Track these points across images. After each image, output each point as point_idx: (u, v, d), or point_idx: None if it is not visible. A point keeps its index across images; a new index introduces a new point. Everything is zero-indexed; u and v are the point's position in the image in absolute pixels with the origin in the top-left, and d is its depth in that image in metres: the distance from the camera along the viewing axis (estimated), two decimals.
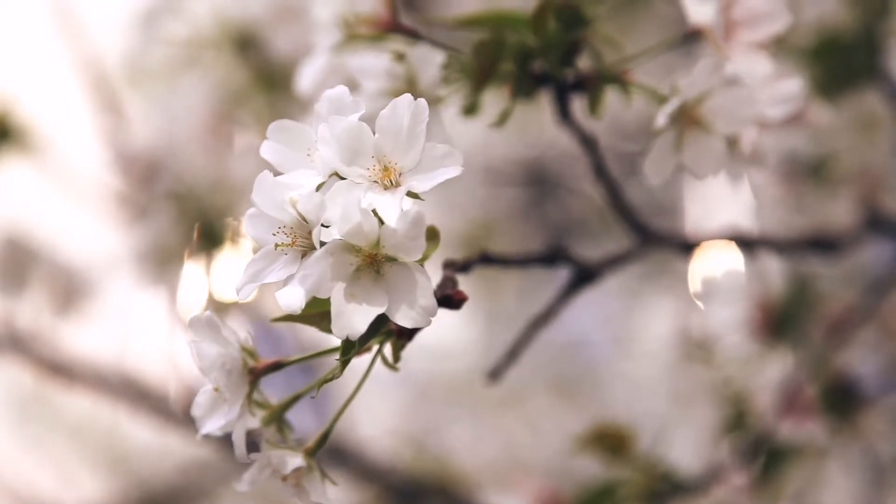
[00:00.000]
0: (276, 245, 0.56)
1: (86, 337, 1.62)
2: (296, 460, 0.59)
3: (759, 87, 0.69)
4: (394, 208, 0.54)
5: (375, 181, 0.56)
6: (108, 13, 1.52)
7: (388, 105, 0.56)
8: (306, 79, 0.74)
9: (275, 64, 1.39)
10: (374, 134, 0.56)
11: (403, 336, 0.61)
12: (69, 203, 1.62)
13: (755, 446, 1.04)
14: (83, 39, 1.53)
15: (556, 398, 1.81)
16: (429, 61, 0.70)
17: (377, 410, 1.87)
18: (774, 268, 1.15)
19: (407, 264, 0.55)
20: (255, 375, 0.61)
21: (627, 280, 1.81)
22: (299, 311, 0.55)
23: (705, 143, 0.69)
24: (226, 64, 1.43)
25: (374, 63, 0.71)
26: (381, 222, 0.54)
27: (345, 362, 0.58)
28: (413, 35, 0.72)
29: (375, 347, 0.61)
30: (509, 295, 1.84)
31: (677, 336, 1.38)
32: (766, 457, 1.04)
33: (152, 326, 1.60)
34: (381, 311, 0.54)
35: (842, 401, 1.13)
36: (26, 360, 1.56)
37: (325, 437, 0.61)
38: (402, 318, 0.55)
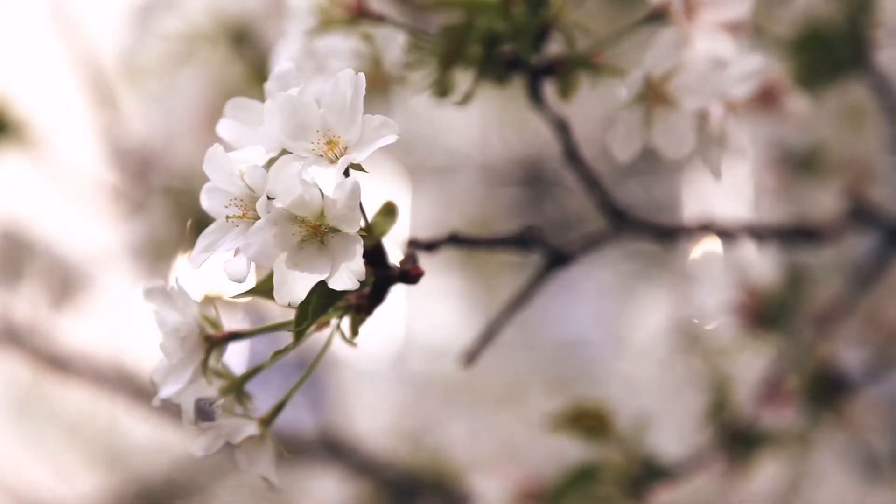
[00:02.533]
0: (228, 217, 0.57)
1: (82, 331, 1.63)
2: (248, 428, 0.59)
3: (723, 65, 0.70)
4: (331, 179, 0.55)
5: (321, 155, 0.56)
6: (103, 9, 1.53)
7: (331, 80, 0.56)
8: (281, 62, 0.75)
9: (269, 58, 1.39)
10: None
11: (361, 310, 0.61)
12: (65, 198, 1.63)
13: (734, 434, 1.04)
14: (79, 35, 1.54)
15: (552, 395, 1.81)
16: (392, 42, 0.71)
17: (374, 406, 1.88)
18: (762, 258, 1.16)
19: (348, 234, 0.55)
20: (211, 343, 0.61)
21: (622, 278, 1.81)
22: (244, 281, 0.56)
23: (673, 121, 0.69)
24: (221, 59, 1.44)
25: (339, 44, 0.72)
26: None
27: (298, 333, 0.58)
28: (380, 18, 0.73)
29: (335, 322, 0.62)
30: (506, 292, 1.84)
31: (670, 329, 1.38)
32: (744, 444, 1.04)
33: (148, 321, 1.60)
34: (322, 278, 0.55)
35: (827, 391, 1.13)
36: (22, 355, 1.56)
37: (280, 406, 0.62)
38: (335, 282, 0.55)
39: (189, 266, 0.58)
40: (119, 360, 1.59)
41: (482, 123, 1.86)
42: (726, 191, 1.47)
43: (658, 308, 1.60)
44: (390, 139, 0.55)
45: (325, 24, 0.74)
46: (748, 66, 0.73)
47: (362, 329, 0.63)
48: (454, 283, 1.90)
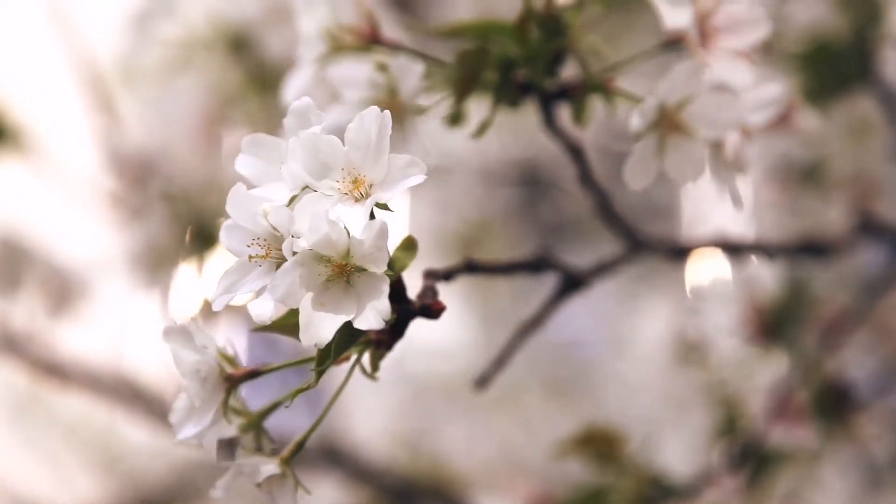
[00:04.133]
0: (250, 257, 0.56)
1: (80, 338, 1.62)
2: (269, 468, 0.59)
3: (741, 93, 0.69)
4: (359, 220, 0.54)
5: (346, 193, 0.56)
6: (101, 14, 1.51)
7: (356, 118, 0.56)
8: (292, 90, 0.74)
9: (268, 65, 1.39)
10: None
11: (382, 346, 0.61)
12: (63, 204, 1.62)
13: (745, 451, 1.04)
14: (77, 40, 1.53)
15: (550, 399, 1.81)
16: (409, 71, 0.70)
17: (372, 412, 1.87)
18: (769, 272, 1.15)
19: (375, 274, 0.55)
20: (231, 383, 0.61)
21: (622, 282, 1.80)
22: (269, 322, 0.55)
23: (687, 149, 0.68)
24: (219, 65, 1.43)
25: (355, 73, 0.71)
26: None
27: (320, 372, 0.58)
28: (395, 46, 0.72)
29: (354, 356, 0.61)
30: (503, 296, 1.84)
31: (672, 339, 1.38)
32: (755, 462, 1.04)
33: (146, 327, 1.60)
34: (347, 318, 0.55)
35: (835, 404, 1.13)
36: (21, 361, 1.56)
37: (300, 445, 0.61)
38: (361, 322, 0.55)
39: (213, 306, 0.57)
40: (117, 366, 1.59)
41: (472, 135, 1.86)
42: (724, 198, 1.46)
43: (658, 312, 1.60)
44: (418, 179, 0.55)
45: (337, 50, 0.73)
46: (768, 94, 0.72)
47: (382, 359, 0.62)
48: (452, 287, 1.89)
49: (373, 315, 0.54)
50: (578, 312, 1.89)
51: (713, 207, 1.59)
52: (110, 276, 1.58)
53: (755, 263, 1.07)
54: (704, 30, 0.70)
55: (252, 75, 1.40)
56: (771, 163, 1.16)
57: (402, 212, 1.98)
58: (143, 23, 1.42)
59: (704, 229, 1.53)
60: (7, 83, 1.59)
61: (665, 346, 1.41)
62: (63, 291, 1.58)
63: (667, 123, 0.68)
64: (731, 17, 0.70)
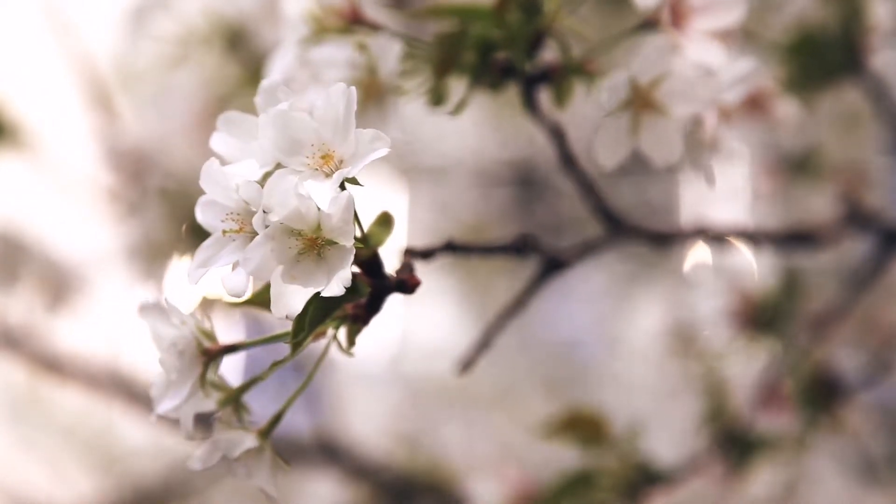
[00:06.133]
0: (224, 231, 0.57)
1: (77, 333, 1.63)
2: (246, 441, 0.59)
3: (714, 72, 0.69)
4: (327, 193, 0.55)
5: (316, 169, 0.56)
6: (98, 11, 1.52)
7: (323, 95, 0.56)
8: (276, 72, 0.75)
9: (264, 60, 1.39)
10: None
11: (358, 321, 0.61)
12: (60, 199, 1.63)
13: (730, 438, 1.04)
14: (74, 37, 1.53)
15: (547, 397, 1.81)
16: (388, 51, 0.71)
17: (370, 409, 1.88)
18: (759, 262, 1.16)
19: (344, 247, 0.55)
20: (209, 357, 0.61)
21: (618, 280, 1.81)
22: (243, 295, 0.56)
23: (661, 128, 0.69)
24: (215, 61, 1.44)
25: (335, 53, 0.71)
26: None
27: (296, 345, 0.58)
28: (375, 27, 0.72)
29: (332, 332, 0.62)
30: (501, 296, 1.84)
31: (665, 331, 1.38)
32: (739, 449, 1.04)
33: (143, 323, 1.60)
34: (317, 290, 0.55)
35: (823, 395, 1.13)
36: (18, 357, 1.56)
37: (278, 418, 0.61)
38: (327, 291, 0.55)
39: (186, 279, 0.57)
40: (115, 362, 1.59)
41: (477, 126, 1.87)
42: (723, 193, 1.47)
43: (653, 310, 1.60)
44: (382, 152, 0.55)
45: (320, 32, 0.73)
46: (739, 71, 0.73)
47: (358, 334, 0.63)
48: (450, 286, 1.90)
49: (336, 283, 0.55)
50: (575, 313, 1.89)
51: (711, 204, 1.59)
52: (107, 272, 1.58)
53: (743, 252, 1.08)
54: (680, 10, 0.70)
55: (248, 71, 1.41)
56: (761, 153, 1.17)
57: (400, 213, 1.99)
58: (140, 19, 1.43)
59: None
60: (5, 80, 1.60)
61: (659, 341, 1.42)
62: (60, 287, 1.59)
63: (640, 102, 0.69)
64: None
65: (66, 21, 1.54)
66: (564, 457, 1.01)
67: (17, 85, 1.58)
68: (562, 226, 1.86)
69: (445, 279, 1.89)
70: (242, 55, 1.41)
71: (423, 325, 1.94)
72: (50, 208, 1.69)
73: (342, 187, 0.56)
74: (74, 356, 1.56)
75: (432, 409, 1.84)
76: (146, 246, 1.43)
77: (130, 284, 1.49)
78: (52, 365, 1.56)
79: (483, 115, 1.73)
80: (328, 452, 1.53)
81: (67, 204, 1.63)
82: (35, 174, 1.56)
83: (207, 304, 1.32)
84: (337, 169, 0.56)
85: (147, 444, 1.77)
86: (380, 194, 1.98)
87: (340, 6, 0.73)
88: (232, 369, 0.64)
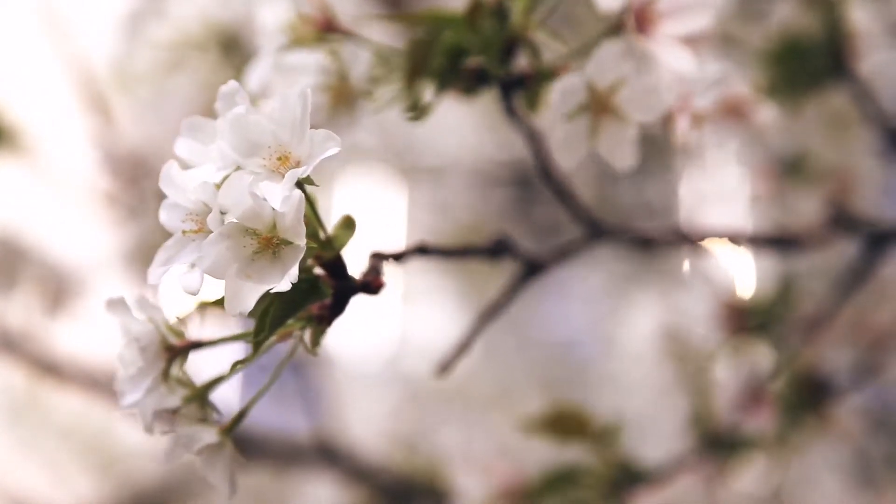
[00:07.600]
0: (184, 231, 0.58)
1: (76, 336, 1.63)
2: (206, 436, 0.60)
3: (681, 78, 0.70)
4: (278, 193, 0.56)
5: (273, 171, 0.57)
6: (94, 16, 1.53)
7: (279, 97, 0.57)
8: (253, 80, 0.76)
9: None
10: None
11: (323, 321, 0.62)
12: (59, 203, 1.63)
13: (715, 438, 1.05)
14: (70, 42, 1.54)
15: (544, 398, 1.81)
16: (358, 57, 0.72)
17: (368, 410, 1.88)
18: (749, 264, 1.16)
19: (298, 246, 0.56)
20: (173, 353, 0.62)
21: (613, 281, 1.81)
22: (197, 293, 0.57)
23: (619, 132, 0.70)
24: (211, 65, 1.45)
25: (306, 60, 0.73)
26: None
27: (257, 344, 0.59)
28: (349, 34, 0.74)
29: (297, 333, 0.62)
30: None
31: (659, 333, 1.39)
32: (724, 448, 1.05)
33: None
34: (270, 287, 0.56)
35: (813, 396, 1.13)
36: (17, 360, 1.57)
37: (241, 415, 0.62)
38: (277, 287, 0.56)
39: (148, 278, 0.58)
40: (113, 365, 1.60)
41: (476, 127, 1.87)
42: (721, 195, 1.48)
43: (649, 311, 1.61)
44: (333, 151, 0.56)
45: (296, 41, 0.75)
46: (709, 75, 0.73)
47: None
48: (449, 287, 1.90)
49: (285, 279, 0.56)
50: (570, 313, 1.90)
51: (709, 205, 1.60)
52: (106, 275, 1.59)
53: (735, 256, 1.08)
54: (647, 15, 0.70)
55: (243, 75, 1.41)
56: (756, 157, 1.17)
57: (399, 213, 2.00)
58: (136, 24, 1.44)
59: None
60: (3, 85, 1.61)
61: (654, 342, 1.42)
62: (59, 290, 1.60)
63: (598, 106, 0.69)
64: (674, 2, 0.70)
65: (63, 26, 1.55)
66: (563, 456, 1.02)
67: (15, 89, 1.59)
68: (560, 226, 1.86)
69: (444, 280, 1.89)
70: (237, 60, 1.42)
71: (421, 326, 1.95)
72: (48, 212, 1.69)
73: (300, 187, 0.57)
74: (73, 359, 1.57)
75: (430, 410, 1.85)
76: (144, 249, 1.43)
77: (128, 288, 1.49)
78: (50, 368, 1.57)
79: (482, 116, 1.74)
80: (326, 454, 1.54)
81: (65, 208, 1.64)
82: (33, 178, 1.57)
83: (204, 308, 1.32)
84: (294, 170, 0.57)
85: (146, 445, 1.77)
86: (379, 194, 1.98)
87: (314, 15, 0.74)
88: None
